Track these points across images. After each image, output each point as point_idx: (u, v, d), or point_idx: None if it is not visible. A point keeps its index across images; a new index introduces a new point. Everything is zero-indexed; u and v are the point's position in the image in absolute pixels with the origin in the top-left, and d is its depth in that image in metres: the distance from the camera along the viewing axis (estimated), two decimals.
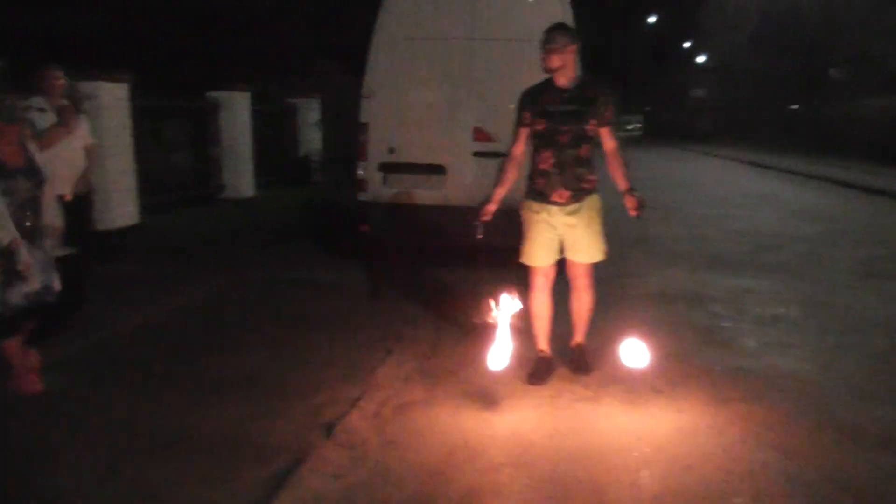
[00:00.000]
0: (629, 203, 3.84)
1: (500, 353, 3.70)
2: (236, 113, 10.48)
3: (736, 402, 3.69)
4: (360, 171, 6.40)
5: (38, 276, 3.67)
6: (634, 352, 3.89)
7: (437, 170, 6.30)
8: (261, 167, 11.01)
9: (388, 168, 6.36)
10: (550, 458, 3.14)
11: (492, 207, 3.92)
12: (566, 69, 3.80)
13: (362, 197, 6.44)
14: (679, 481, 2.92)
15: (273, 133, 11.98)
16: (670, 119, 47.27)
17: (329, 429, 3.43)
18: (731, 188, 14.93)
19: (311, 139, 13.02)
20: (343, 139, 11.15)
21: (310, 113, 12.95)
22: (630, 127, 69.48)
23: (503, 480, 2.95)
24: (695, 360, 4.30)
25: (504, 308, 3.72)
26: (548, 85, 3.87)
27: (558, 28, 3.83)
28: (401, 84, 6.30)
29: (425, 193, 6.32)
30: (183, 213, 8.06)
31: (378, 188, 6.39)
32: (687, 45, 46.56)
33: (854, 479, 2.91)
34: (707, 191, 14.46)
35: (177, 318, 5.38)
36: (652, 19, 47.79)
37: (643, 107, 58.48)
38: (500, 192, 3.94)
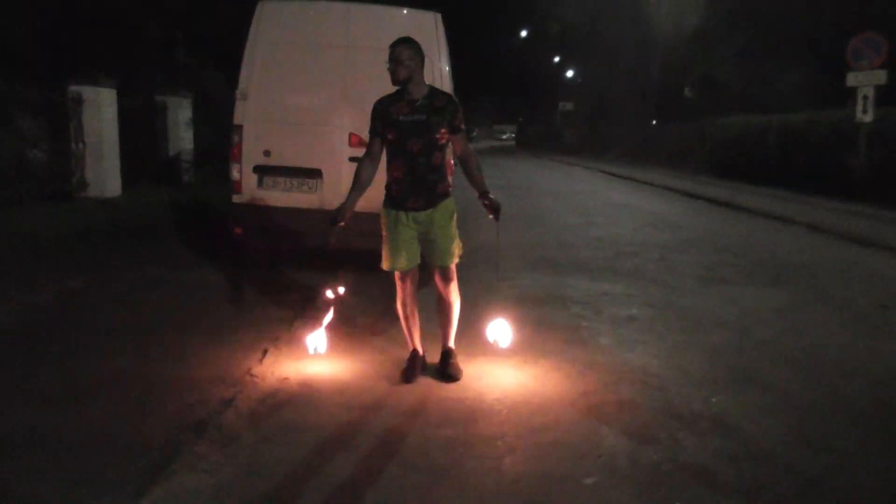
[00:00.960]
0: (485, 206, 4.07)
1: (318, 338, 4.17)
2: (101, 108, 9.94)
3: (591, 394, 4.03)
4: (235, 173, 6.33)
5: None
6: (500, 331, 4.26)
7: (313, 174, 6.34)
8: (128, 166, 10.50)
9: (263, 170, 6.34)
10: (420, 448, 3.31)
11: (348, 213, 4.00)
12: (414, 81, 3.96)
13: (237, 199, 6.37)
14: (538, 466, 3.17)
15: (141, 130, 11.45)
16: (541, 130, 49.27)
17: (202, 427, 3.43)
18: (594, 198, 15.86)
19: (182, 138, 12.55)
20: (216, 139, 10.88)
21: (180, 111, 12.48)
22: (504, 136, 71.77)
23: (374, 470, 3.08)
24: (557, 358, 4.62)
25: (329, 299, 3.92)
26: (399, 96, 4.02)
27: (403, 41, 3.95)
28: (276, 87, 6.30)
29: (301, 197, 6.35)
30: (39, 209, 7.57)
31: (253, 190, 6.35)
32: (556, 59, 48.86)
33: (689, 459, 3.28)
34: (572, 200, 15.29)
35: (31, 318, 5.10)
36: (524, 33, 49.74)
37: (517, 118, 60.56)
38: (356, 197, 4.04)
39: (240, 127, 6.28)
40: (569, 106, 45.62)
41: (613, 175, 23.05)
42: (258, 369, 4.25)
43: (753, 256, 8.62)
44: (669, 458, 3.26)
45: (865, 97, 12.96)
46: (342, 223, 4.00)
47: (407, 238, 4.05)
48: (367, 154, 4.13)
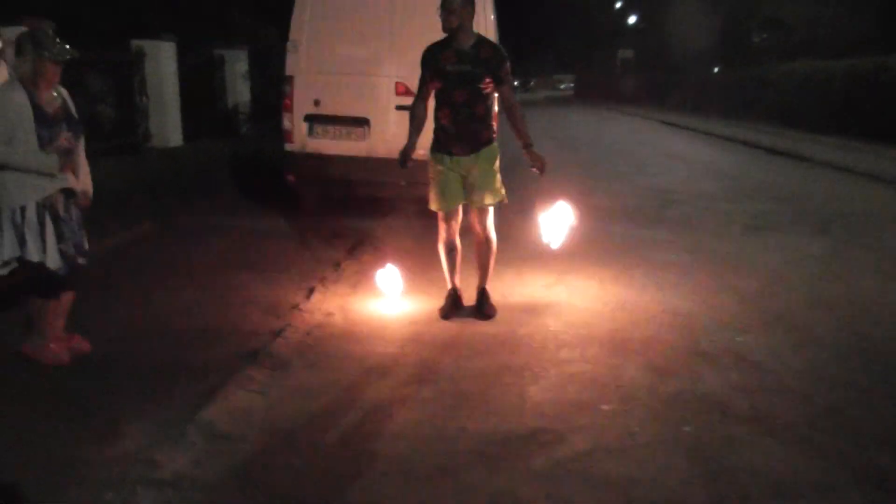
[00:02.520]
0: (529, 159, 4.22)
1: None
2: (162, 63, 10.37)
3: (620, 331, 4.21)
4: (286, 123, 6.62)
5: (73, 236, 3.51)
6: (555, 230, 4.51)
7: (362, 122, 6.57)
8: (188, 118, 10.96)
9: (313, 119, 6.60)
10: (452, 376, 3.58)
11: (413, 152, 4.24)
12: (463, 29, 4.10)
13: (288, 147, 6.67)
14: (560, 393, 3.40)
15: (200, 84, 11.86)
16: (600, 79, 48.10)
17: (255, 354, 3.78)
18: (648, 147, 15.66)
19: (240, 91, 12.93)
20: (271, 92, 11.19)
21: (237, 64, 12.83)
22: (562, 86, 70.31)
23: (409, 394, 3.37)
24: (591, 297, 4.81)
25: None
26: (446, 44, 4.17)
27: None
28: (326, 38, 6.50)
29: (350, 145, 6.60)
30: (109, 161, 8.06)
31: (304, 139, 6.63)
32: (618, 4, 47.28)
33: (705, 390, 3.45)
34: (626, 149, 15.14)
35: (104, 260, 5.55)
36: None
37: (576, 67, 59.19)
38: (416, 137, 4.28)
39: (291, 78, 6.53)
40: (628, 53, 44.32)
41: (671, 125, 22.55)
42: (306, 305, 4.58)
43: (804, 205, 8.49)
44: (686, 390, 3.44)
45: None
46: (410, 163, 4.24)
47: (452, 180, 4.26)
48: (419, 97, 4.34)
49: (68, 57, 3.39)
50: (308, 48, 6.48)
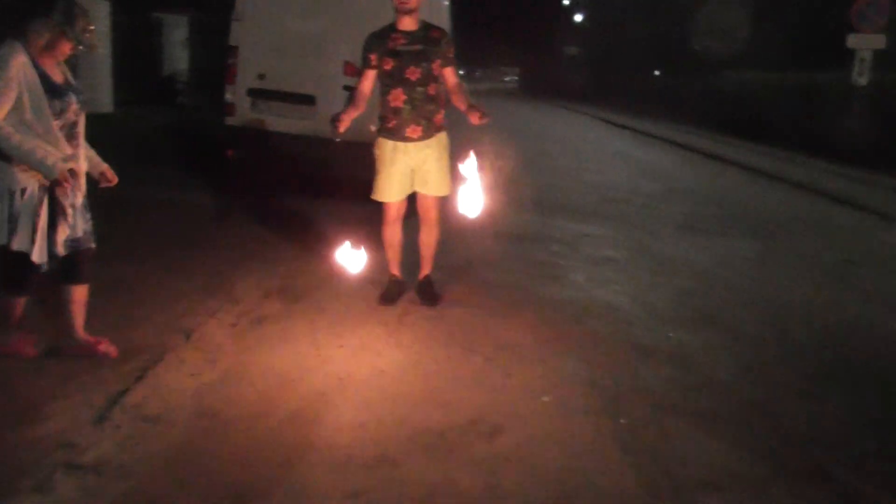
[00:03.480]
0: (473, 115, 3.93)
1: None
2: (93, 20, 9.89)
3: (558, 324, 4.25)
4: (229, 96, 6.40)
5: (80, 219, 3.20)
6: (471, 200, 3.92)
7: (307, 100, 6.41)
8: (121, 83, 10.48)
9: (257, 94, 6.40)
10: (396, 367, 3.53)
11: (346, 117, 3.95)
12: (413, 13, 4.04)
13: (230, 121, 6.46)
14: (500, 385, 3.39)
15: (135, 48, 11.36)
16: (545, 74, 48.63)
17: (188, 334, 3.63)
18: (590, 145, 15.92)
19: (178, 58, 12.45)
20: (213, 61, 10.81)
21: (177, 30, 12.34)
22: (507, 79, 70.81)
23: (348, 385, 3.30)
24: (529, 289, 4.83)
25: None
26: (392, 27, 4.11)
27: None
28: (273, 10, 6.31)
29: (294, 122, 6.43)
30: None
31: (246, 113, 6.43)
32: (566, 1, 47.83)
33: (641, 384, 3.51)
34: (569, 145, 15.35)
35: None
36: None
37: (521, 61, 59.60)
38: (352, 109, 4.06)
39: (235, 48, 6.32)
40: (574, 50, 44.97)
41: (612, 123, 22.98)
42: (244, 285, 4.44)
43: (734, 209, 8.79)
44: (623, 384, 3.49)
45: (863, 60, 12.92)
46: (341, 125, 3.93)
47: (402, 169, 4.18)
48: (357, 86, 4.20)
49: (88, 47, 3.10)
50: (255, 19, 6.28)
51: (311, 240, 5.51)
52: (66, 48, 3.05)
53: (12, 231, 2.98)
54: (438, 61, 4.10)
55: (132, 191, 6.68)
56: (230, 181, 7.07)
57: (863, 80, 12.99)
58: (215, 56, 9.04)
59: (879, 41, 12.65)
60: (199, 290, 4.30)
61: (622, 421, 3.12)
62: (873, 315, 4.97)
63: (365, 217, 6.20)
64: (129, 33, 10.98)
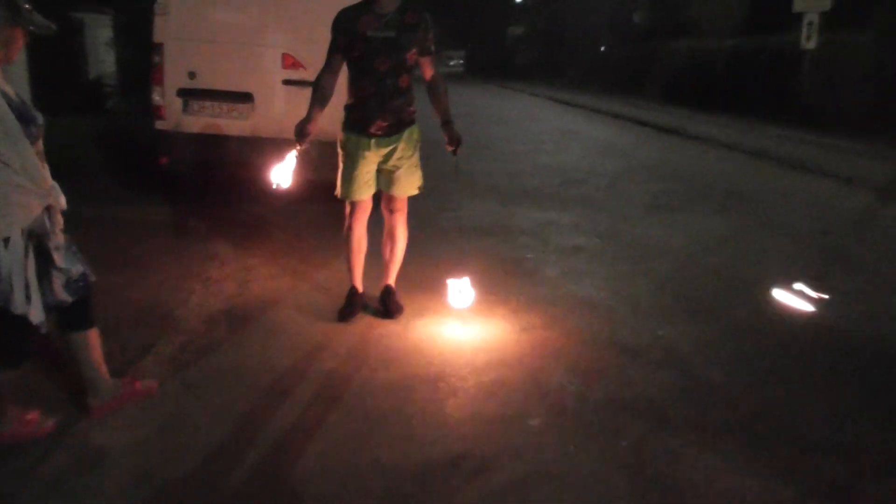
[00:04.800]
0: (446, 137, 3.75)
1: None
2: None
3: (537, 329, 3.88)
4: (157, 97, 5.83)
5: (70, 257, 2.66)
6: (460, 291, 3.98)
7: (244, 98, 5.89)
8: (41, 91, 9.69)
9: (188, 94, 5.84)
10: (359, 392, 3.13)
11: (312, 128, 3.55)
12: None
13: (160, 126, 5.90)
14: (481, 407, 3.02)
15: (56, 52, 10.55)
16: (491, 56, 48.24)
17: (118, 376, 3.15)
18: (543, 125, 15.60)
19: (104, 60, 11.65)
20: (141, 61, 10.10)
21: (100, 30, 11.53)
22: (452, 63, 70.21)
23: (312, 419, 2.88)
24: (501, 291, 4.45)
25: None
26: (367, 7, 3.61)
27: None
28: (201, 2, 5.75)
29: (231, 123, 5.91)
30: None
31: (178, 116, 5.87)
32: None
33: (635, 395, 3.17)
34: (521, 127, 15.00)
35: None
36: None
37: (466, 43, 59.06)
38: (318, 110, 3.59)
39: (160, 45, 5.74)
40: (518, 30, 44.66)
41: (563, 102, 22.75)
42: (183, 311, 3.96)
43: (699, 183, 8.56)
44: (617, 395, 3.15)
45: (810, 23, 12.85)
46: (308, 137, 3.52)
47: (367, 166, 3.75)
48: (326, 69, 3.66)
49: (51, 30, 2.53)
50: (180, 12, 5.71)
51: (260, 251, 5.04)
52: (19, 42, 2.48)
53: (5, 293, 2.42)
54: (414, 50, 3.65)
55: None
56: (165, 192, 6.50)
57: (811, 44, 12.93)
58: (144, 56, 8.39)
59: (824, 3, 12.58)
60: (131, 320, 3.81)
61: (623, 443, 2.77)
62: (865, 291, 4.72)
63: (319, 220, 5.78)
64: (47, 36, 10.17)
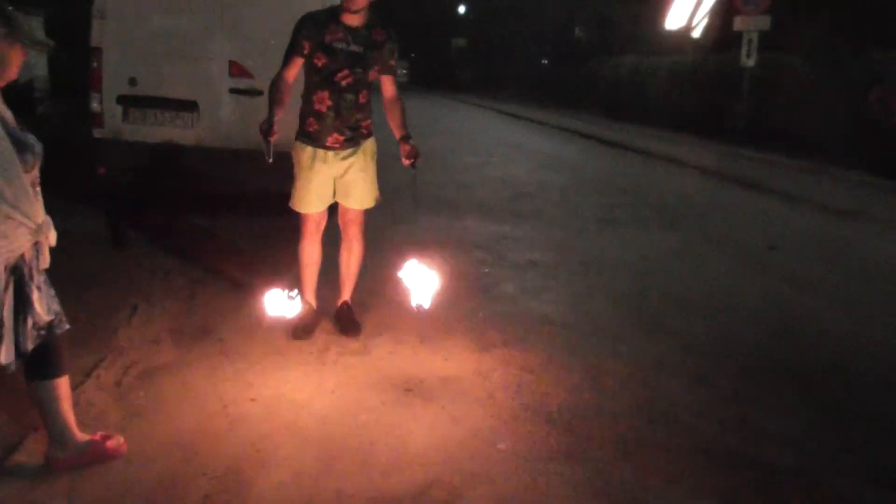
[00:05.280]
0: (404, 151, 3.63)
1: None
2: None
3: (498, 347, 3.80)
4: (95, 104, 5.55)
5: (46, 299, 2.45)
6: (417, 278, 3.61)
7: (188, 106, 5.65)
8: None
9: (128, 101, 5.58)
10: (317, 418, 2.97)
11: (276, 124, 3.33)
12: (363, 11, 3.48)
13: (98, 133, 5.61)
14: (446, 433, 2.90)
15: None
16: (435, 67, 48.39)
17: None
18: (490, 137, 15.66)
19: (35, 63, 11.09)
20: (76, 65, 9.64)
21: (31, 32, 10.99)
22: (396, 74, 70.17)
23: (267, 448, 2.71)
24: (460, 307, 4.36)
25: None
26: (334, 17, 3.50)
27: None
28: (141, 5, 5.50)
29: (175, 132, 5.66)
30: None
31: (117, 124, 5.60)
32: None
33: (602, 417, 3.11)
34: (468, 139, 15.02)
35: None
36: None
37: (408, 53, 59.10)
38: (277, 110, 3.40)
39: (98, 50, 5.46)
40: (462, 42, 44.94)
41: (508, 114, 22.92)
42: (126, 331, 3.73)
43: (649, 198, 8.69)
44: (583, 416, 3.08)
45: (750, 41, 13.28)
46: (274, 135, 3.31)
47: (323, 178, 3.62)
48: (283, 70, 3.50)
49: (51, 47, 2.34)
50: (120, 15, 5.45)
51: (208, 265, 4.82)
52: (19, 60, 2.26)
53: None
54: (377, 67, 3.55)
55: None
56: (103, 203, 6.18)
57: (751, 62, 13.35)
58: (79, 59, 8.01)
59: (764, 22, 13.02)
60: (70, 342, 3.52)
61: (592, 468, 2.69)
62: (813, 307, 4.81)
63: (271, 232, 5.57)
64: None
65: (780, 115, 13.10)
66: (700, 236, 6.71)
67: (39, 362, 2.44)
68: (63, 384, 2.51)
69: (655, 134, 16.12)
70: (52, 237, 2.43)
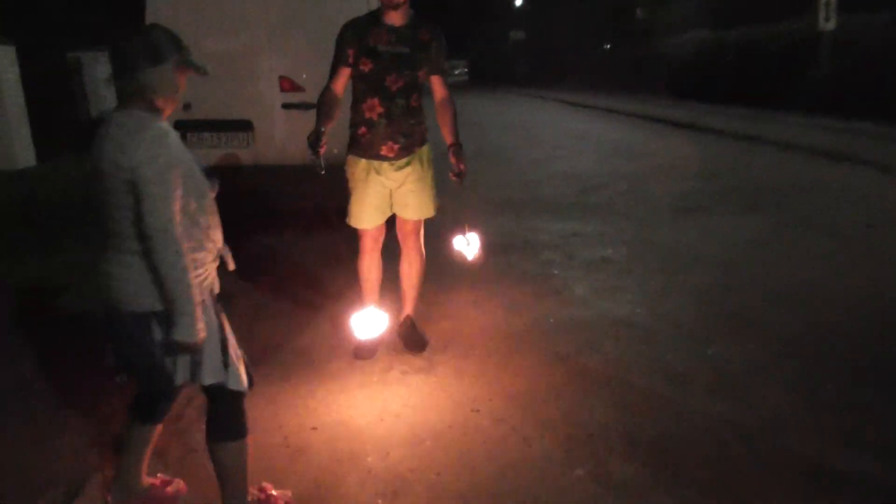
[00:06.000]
0: (453, 165, 3.41)
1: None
2: (0, 70, 8.90)
3: (571, 357, 3.54)
4: None
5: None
6: (468, 244, 3.53)
7: (243, 126, 5.62)
8: (41, 133, 9.51)
9: (185, 126, 5.58)
10: (381, 445, 2.80)
11: (325, 136, 3.16)
12: (405, 5, 3.31)
13: None
14: (518, 456, 2.68)
15: (54, 93, 10.37)
16: (493, 63, 48.04)
17: (117, 442, 2.85)
18: (553, 129, 15.27)
19: (103, 97, 11.49)
20: None
21: (98, 67, 11.37)
22: (456, 72, 70.22)
23: (328, 483, 2.56)
24: (528, 314, 4.13)
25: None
26: (377, 20, 3.34)
27: None
28: (188, 31, 5.46)
29: (232, 152, 5.64)
30: None
31: None
32: None
33: (695, 433, 2.81)
34: (531, 133, 14.68)
35: None
36: None
37: (469, 52, 58.96)
38: (326, 121, 3.24)
39: None
40: (520, 35, 44.38)
41: (571, 104, 22.42)
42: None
43: (726, 181, 8.17)
44: (672, 434, 2.79)
45: (828, 3, 12.41)
46: (323, 147, 3.14)
47: (378, 190, 3.46)
48: (331, 83, 3.36)
49: (206, 71, 2.24)
50: None
51: (269, 285, 4.74)
52: (184, 86, 2.18)
53: (197, 363, 2.08)
54: (426, 69, 3.37)
55: (56, 256, 5.88)
56: None
57: (830, 25, 12.48)
58: None
59: None
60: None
61: (687, 493, 2.41)
62: None
63: (331, 249, 5.47)
64: (43, 77, 9.99)
65: (866, 80, 12.16)
66: (788, 219, 6.22)
67: (158, 405, 2.38)
68: (158, 430, 2.44)
69: (727, 111, 15.34)
70: (230, 262, 2.32)
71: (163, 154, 1.93)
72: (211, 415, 2.27)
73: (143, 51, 2.03)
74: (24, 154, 9.27)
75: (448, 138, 3.47)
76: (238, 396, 2.23)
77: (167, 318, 1.97)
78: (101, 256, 2.07)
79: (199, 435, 2.94)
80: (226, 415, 2.26)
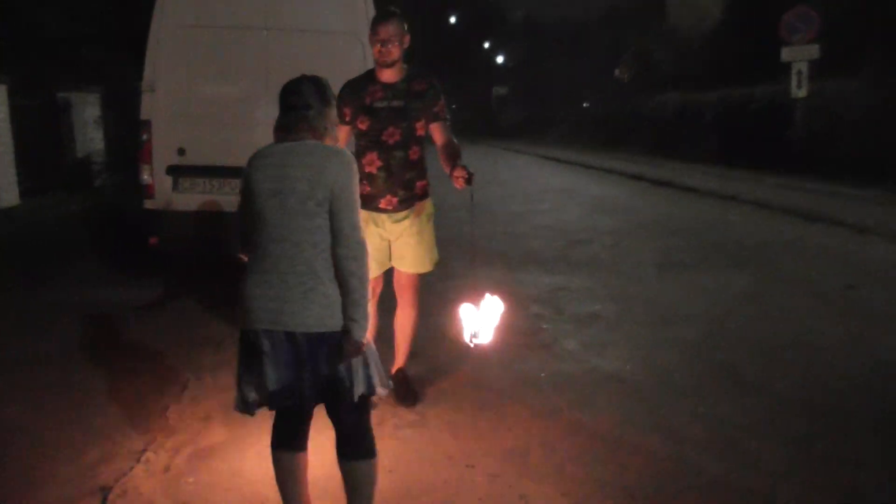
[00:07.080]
0: (457, 174, 3.23)
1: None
2: None
3: (564, 412, 3.54)
4: (146, 176, 5.58)
5: None
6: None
7: (237, 173, 5.61)
8: (27, 171, 9.45)
9: (178, 171, 5.60)
10: (376, 501, 2.75)
11: None
12: (398, 63, 3.41)
13: (149, 205, 5.62)
14: None
15: (42, 132, 10.35)
16: (477, 116, 48.89)
17: (104, 493, 2.79)
18: (535, 183, 15.50)
19: (91, 138, 11.49)
20: (131, 138, 9.91)
21: (87, 108, 11.39)
22: None
23: None
24: (519, 367, 4.14)
25: None
26: (371, 78, 3.44)
27: (387, 17, 3.37)
28: (188, 77, 5.56)
29: (224, 199, 5.64)
30: None
31: (168, 194, 5.61)
32: (486, 45, 48.49)
33: (686, 490, 2.82)
34: (514, 186, 14.88)
35: None
36: (453, 19, 49.14)
37: (451, 105, 59.95)
38: None
39: (148, 122, 5.52)
40: (502, 90, 45.40)
41: (552, 159, 22.78)
42: (176, 408, 3.61)
43: (707, 238, 8.33)
44: (671, 490, 2.79)
45: (800, 72, 12.91)
46: None
47: (376, 241, 3.48)
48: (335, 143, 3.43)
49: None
50: (167, 88, 5.51)
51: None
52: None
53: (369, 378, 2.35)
54: (423, 119, 3.42)
55: (39, 294, 5.81)
56: (156, 273, 6.19)
57: (802, 92, 12.96)
58: (134, 132, 8.19)
59: (813, 51, 12.67)
60: (119, 424, 3.44)
61: None
62: None
63: None
64: (31, 115, 9.97)
65: (838, 144, 12.59)
66: (769, 276, 6.34)
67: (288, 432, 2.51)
68: (306, 459, 2.60)
69: (706, 170, 15.70)
70: None
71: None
72: (344, 433, 2.41)
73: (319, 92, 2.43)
74: (7, 193, 9.19)
75: (449, 166, 3.31)
76: (368, 414, 2.43)
77: (350, 321, 2.19)
78: (279, 286, 2.24)
79: (191, 484, 2.89)
80: (360, 433, 2.42)
